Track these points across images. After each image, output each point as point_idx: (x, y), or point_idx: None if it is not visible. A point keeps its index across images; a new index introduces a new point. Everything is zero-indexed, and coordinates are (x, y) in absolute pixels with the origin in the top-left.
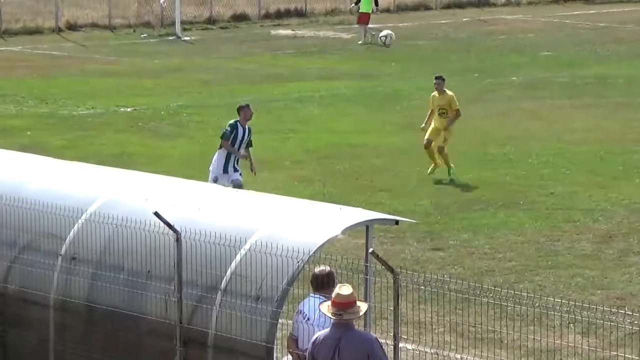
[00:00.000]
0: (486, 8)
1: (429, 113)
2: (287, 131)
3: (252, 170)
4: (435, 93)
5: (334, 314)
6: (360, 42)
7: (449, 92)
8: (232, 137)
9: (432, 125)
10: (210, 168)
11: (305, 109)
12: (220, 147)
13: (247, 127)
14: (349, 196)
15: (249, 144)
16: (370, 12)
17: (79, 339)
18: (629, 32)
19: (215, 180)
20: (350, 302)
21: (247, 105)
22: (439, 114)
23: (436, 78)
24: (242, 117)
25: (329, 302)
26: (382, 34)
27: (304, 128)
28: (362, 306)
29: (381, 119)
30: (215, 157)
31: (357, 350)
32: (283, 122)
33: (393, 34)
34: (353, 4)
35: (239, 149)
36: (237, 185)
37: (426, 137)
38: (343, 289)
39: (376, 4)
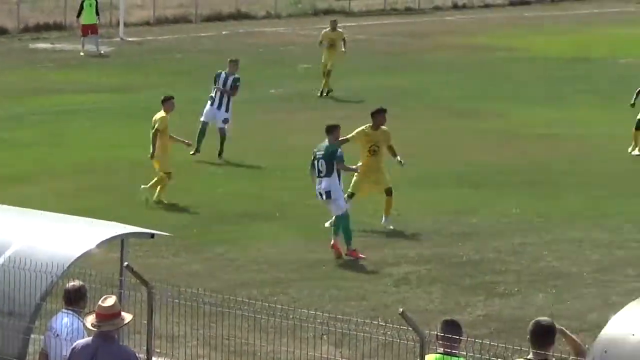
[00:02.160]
0: (246, 21)
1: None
2: (49, 145)
3: None
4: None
5: (93, 324)
6: (82, 54)
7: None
8: None
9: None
10: None
11: (66, 123)
12: None
13: None
14: (108, 210)
15: None
16: (94, 22)
17: None
18: (386, 44)
19: None
20: (110, 314)
21: None
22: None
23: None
24: None
25: (94, 313)
26: None
27: (65, 142)
28: (126, 317)
29: (137, 132)
30: None
31: None
32: (46, 135)
33: None
34: (76, 18)
35: None
36: None
37: None
38: (106, 301)
39: (97, 13)
